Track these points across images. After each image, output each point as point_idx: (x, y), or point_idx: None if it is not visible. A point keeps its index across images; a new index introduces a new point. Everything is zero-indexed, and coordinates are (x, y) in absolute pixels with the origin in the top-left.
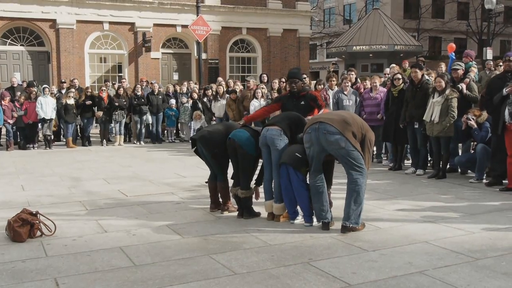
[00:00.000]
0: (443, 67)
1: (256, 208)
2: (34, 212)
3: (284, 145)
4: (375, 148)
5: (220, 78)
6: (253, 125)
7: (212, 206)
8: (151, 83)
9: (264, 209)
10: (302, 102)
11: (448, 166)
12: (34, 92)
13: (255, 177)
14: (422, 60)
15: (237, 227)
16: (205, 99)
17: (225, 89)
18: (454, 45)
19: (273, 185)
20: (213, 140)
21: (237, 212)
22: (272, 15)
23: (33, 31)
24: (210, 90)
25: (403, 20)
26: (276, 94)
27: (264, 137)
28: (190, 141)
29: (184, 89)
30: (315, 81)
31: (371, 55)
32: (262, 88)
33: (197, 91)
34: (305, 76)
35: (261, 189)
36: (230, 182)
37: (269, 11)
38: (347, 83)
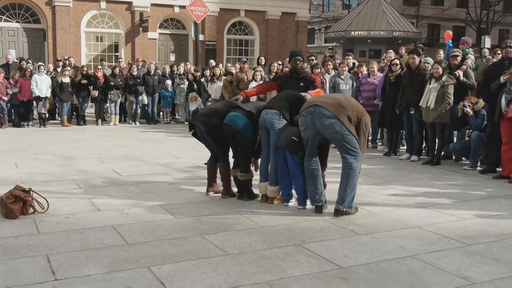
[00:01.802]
0: (441, 54)
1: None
2: (27, 189)
3: (283, 128)
4: (371, 133)
5: (212, 61)
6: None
7: (208, 188)
8: (150, 63)
9: (258, 190)
10: (301, 84)
11: (442, 153)
12: (29, 70)
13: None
14: (421, 47)
15: (231, 208)
16: (202, 79)
17: (222, 71)
18: (451, 33)
19: (269, 167)
20: (211, 123)
21: (237, 193)
22: None
23: (28, 7)
24: (208, 71)
25: (402, 7)
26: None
27: (263, 120)
28: (187, 123)
29: (182, 70)
30: (310, 66)
31: (369, 40)
32: (260, 70)
33: (193, 72)
34: (312, 58)
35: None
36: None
37: None
38: (345, 67)
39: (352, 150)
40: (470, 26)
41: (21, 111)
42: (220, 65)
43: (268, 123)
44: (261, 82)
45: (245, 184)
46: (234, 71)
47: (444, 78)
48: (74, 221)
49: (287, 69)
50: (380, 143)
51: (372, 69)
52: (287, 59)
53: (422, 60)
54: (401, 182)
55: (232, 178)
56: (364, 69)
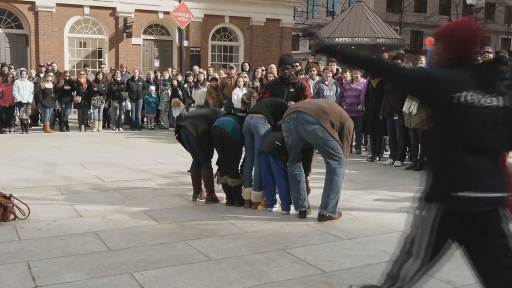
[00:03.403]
0: (423, 60)
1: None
2: (7, 195)
3: (267, 133)
4: (354, 138)
5: (196, 67)
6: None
7: (194, 195)
8: (134, 69)
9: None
10: (291, 90)
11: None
12: (11, 75)
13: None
14: (402, 53)
15: (214, 214)
16: (185, 85)
17: (205, 77)
18: (432, 39)
19: (253, 173)
20: (200, 126)
21: (225, 200)
22: (255, 4)
23: (11, 13)
24: (191, 77)
25: (386, 14)
26: (257, 83)
27: (248, 124)
28: (171, 129)
29: (166, 76)
30: (295, 72)
31: (353, 47)
32: (244, 77)
33: (179, 78)
34: (297, 64)
35: None
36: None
37: (252, 0)
38: (328, 73)
39: (336, 155)
40: None
41: (2, 117)
42: (211, 70)
43: (252, 127)
44: (244, 88)
45: (236, 190)
46: (218, 77)
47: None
48: (56, 228)
49: (276, 76)
50: (364, 149)
51: (356, 75)
52: (271, 65)
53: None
54: (385, 187)
55: (220, 185)
56: (348, 75)
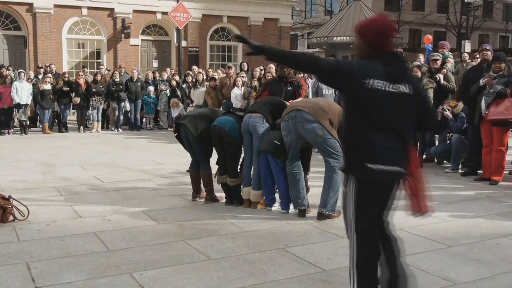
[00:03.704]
0: (421, 58)
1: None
2: (6, 197)
3: (266, 132)
4: None
5: (194, 67)
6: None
7: (193, 195)
8: (132, 70)
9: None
10: (289, 88)
11: (424, 156)
12: (9, 77)
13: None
14: (401, 51)
15: (214, 214)
16: (184, 86)
17: (204, 77)
18: (430, 37)
19: (252, 172)
20: (200, 125)
21: (225, 199)
22: (253, 3)
23: (9, 14)
24: (190, 77)
25: (384, 12)
26: (256, 83)
27: (246, 124)
28: (170, 129)
29: (165, 76)
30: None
31: (351, 46)
32: (243, 76)
33: (176, 78)
34: None
35: None
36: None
37: (250, 0)
38: None
39: (335, 153)
40: (451, 31)
41: (1, 119)
42: (210, 71)
43: (251, 127)
44: (242, 87)
45: (235, 189)
46: (217, 77)
47: (423, 81)
48: (55, 228)
49: (275, 75)
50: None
51: None
52: (270, 64)
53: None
54: None
55: (219, 185)
56: None
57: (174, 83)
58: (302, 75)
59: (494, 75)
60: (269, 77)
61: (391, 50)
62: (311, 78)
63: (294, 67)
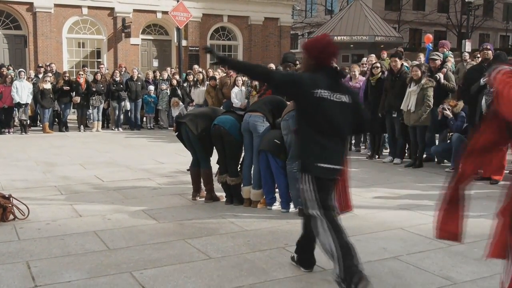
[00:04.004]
0: (421, 57)
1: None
2: (7, 196)
3: (266, 131)
4: (353, 136)
5: (196, 66)
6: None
7: (194, 194)
8: (133, 70)
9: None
10: None
11: (425, 156)
12: (9, 76)
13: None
14: (401, 50)
15: (214, 213)
16: (185, 84)
17: (204, 76)
18: (431, 36)
19: (252, 171)
20: (201, 123)
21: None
22: (253, 3)
23: (9, 14)
24: (191, 76)
25: (384, 12)
26: (256, 82)
27: (246, 123)
28: (170, 128)
29: (165, 76)
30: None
31: (352, 45)
32: (243, 75)
33: (177, 77)
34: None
35: None
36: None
37: None
38: None
39: None
40: (451, 30)
41: (2, 118)
42: (211, 71)
43: (251, 126)
44: (243, 87)
45: (235, 188)
46: (217, 76)
47: (423, 81)
48: (55, 227)
49: None
50: (363, 146)
51: (354, 73)
52: (270, 64)
53: (410, 64)
54: (384, 184)
55: (219, 184)
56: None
57: (175, 82)
58: None
59: None
60: None
61: (332, 65)
62: None
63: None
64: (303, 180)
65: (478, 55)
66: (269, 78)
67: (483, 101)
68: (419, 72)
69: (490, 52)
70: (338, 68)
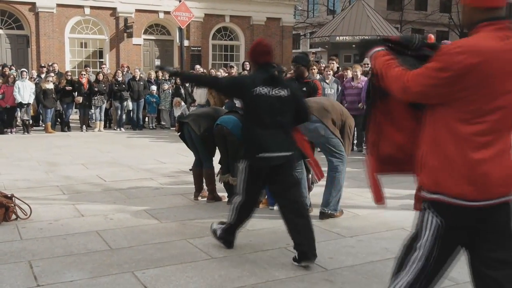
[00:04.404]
0: None
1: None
2: (9, 195)
3: None
4: (356, 136)
5: (198, 66)
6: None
7: (196, 194)
8: (135, 70)
9: None
10: (304, 88)
11: None
12: (12, 76)
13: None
14: None
15: (216, 213)
16: (187, 84)
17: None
18: (432, 36)
19: None
20: (203, 123)
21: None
22: (255, 3)
23: (12, 14)
24: None
25: (386, 12)
26: None
27: None
28: (172, 128)
29: (167, 76)
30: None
31: (354, 45)
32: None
33: None
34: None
35: None
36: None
37: None
38: (329, 71)
39: (337, 153)
40: (453, 30)
41: (4, 118)
42: (213, 71)
43: None
44: None
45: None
46: (220, 76)
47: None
48: (57, 227)
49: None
50: (365, 147)
51: (355, 73)
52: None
53: None
54: (386, 184)
55: (221, 184)
56: (349, 73)
57: (179, 80)
58: (318, 76)
59: None
60: (289, 75)
61: (271, 62)
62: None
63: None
64: (242, 166)
65: None
66: (217, 84)
67: None
68: None
69: None
70: (276, 65)
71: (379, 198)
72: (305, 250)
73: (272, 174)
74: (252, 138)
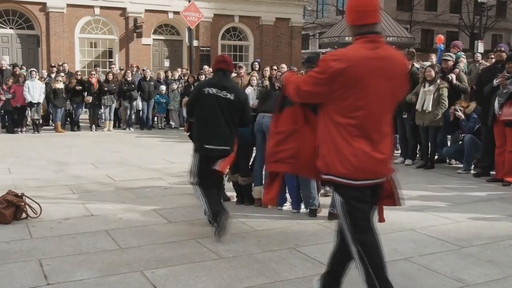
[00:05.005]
0: (433, 58)
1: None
2: (19, 194)
3: None
4: None
5: (206, 67)
6: None
7: None
8: (143, 70)
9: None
10: None
11: (437, 157)
12: (22, 76)
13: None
14: (413, 51)
15: None
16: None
17: None
18: (442, 37)
19: (263, 171)
20: None
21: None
22: (264, 3)
23: (22, 14)
24: (203, 76)
25: (396, 12)
26: (267, 82)
27: (260, 123)
28: (181, 128)
29: (176, 76)
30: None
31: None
32: (255, 75)
33: (194, 75)
34: None
35: None
36: None
37: None
38: None
39: None
40: (463, 31)
41: (14, 117)
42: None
43: (264, 126)
44: (256, 87)
45: (246, 188)
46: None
47: (438, 81)
48: (67, 226)
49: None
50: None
51: None
52: (282, 64)
53: (421, 64)
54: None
55: (230, 183)
56: None
57: (192, 79)
58: None
59: (508, 75)
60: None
61: (222, 69)
62: None
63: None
64: (193, 157)
65: (492, 56)
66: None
67: (496, 102)
68: (432, 73)
69: (504, 54)
70: (227, 71)
71: (271, 200)
72: (218, 210)
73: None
74: (199, 130)
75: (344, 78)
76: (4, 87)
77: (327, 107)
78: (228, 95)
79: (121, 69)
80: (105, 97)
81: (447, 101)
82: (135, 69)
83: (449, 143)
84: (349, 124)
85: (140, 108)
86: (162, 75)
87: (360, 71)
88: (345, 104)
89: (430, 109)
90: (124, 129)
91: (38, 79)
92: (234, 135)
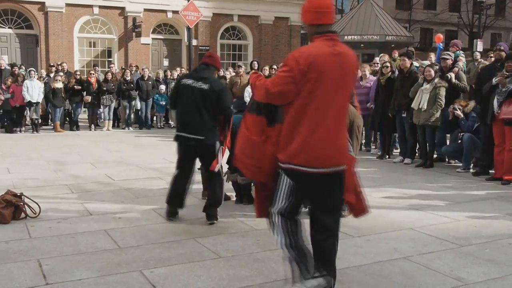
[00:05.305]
0: (432, 57)
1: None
2: (18, 194)
3: None
4: (364, 136)
5: None
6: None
7: (204, 193)
8: (142, 69)
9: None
10: None
11: (435, 156)
12: (21, 75)
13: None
14: (412, 50)
15: (224, 212)
16: None
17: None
18: (441, 36)
19: None
20: None
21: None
22: (263, 2)
23: (21, 13)
24: None
25: (395, 11)
26: None
27: None
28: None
29: (175, 75)
30: None
31: (362, 45)
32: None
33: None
34: None
35: None
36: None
37: None
38: None
39: None
40: (463, 30)
41: (13, 117)
42: (221, 69)
43: None
44: None
45: (245, 188)
46: (228, 75)
47: (436, 80)
48: (66, 226)
49: None
50: (374, 146)
51: (364, 73)
52: (281, 64)
53: (420, 63)
54: (395, 184)
55: (230, 183)
56: (358, 72)
57: None
58: None
59: (507, 74)
60: None
61: (207, 63)
62: None
63: None
64: (177, 145)
65: (491, 55)
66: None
67: (495, 101)
68: (432, 72)
69: (503, 52)
70: (209, 65)
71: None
72: (172, 211)
73: (196, 150)
74: (177, 120)
75: (311, 72)
76: (3, 86)
77: (294, 102)
78: (203, 86)
79: (122, 68)
80: (104, 96)
81: (443, 100)
82: (134, 68)
83: (448, 142)
84: (311, 116)
85: (139, 108)
86: (161, 74)
87: (323, 66)
88: (311, 96)
89: (425, 108)
90: (123, 128)
91: (37, 79)
92: (210, 125)
